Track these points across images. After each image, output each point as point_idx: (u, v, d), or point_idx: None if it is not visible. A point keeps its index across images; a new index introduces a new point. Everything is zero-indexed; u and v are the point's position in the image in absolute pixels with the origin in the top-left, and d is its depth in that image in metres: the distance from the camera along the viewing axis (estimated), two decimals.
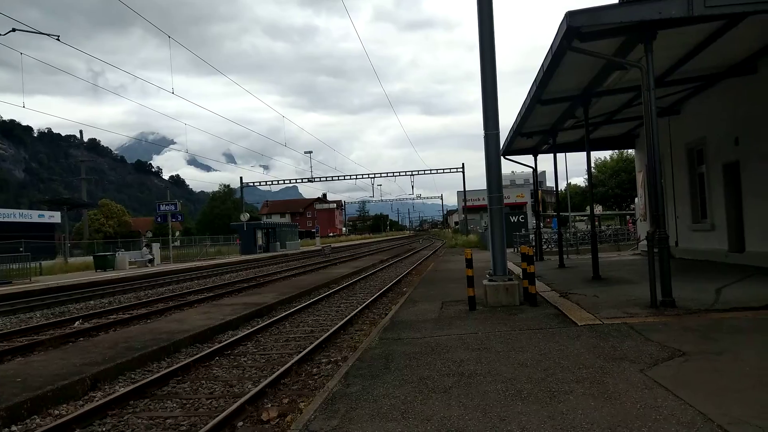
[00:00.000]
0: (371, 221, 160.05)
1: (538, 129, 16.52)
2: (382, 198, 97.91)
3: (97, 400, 6.58)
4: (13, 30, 19.81)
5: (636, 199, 24.71)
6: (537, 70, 10.93)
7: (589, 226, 19.15)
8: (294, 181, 68.33)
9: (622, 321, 7.64)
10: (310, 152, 62.27)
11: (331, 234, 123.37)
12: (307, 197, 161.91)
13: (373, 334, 8.30)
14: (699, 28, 9.23)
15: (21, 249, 28.64)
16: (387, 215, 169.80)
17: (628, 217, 46.07)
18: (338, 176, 67.27)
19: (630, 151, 40.49)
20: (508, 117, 14.99)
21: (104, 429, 5.78)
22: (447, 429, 4.20)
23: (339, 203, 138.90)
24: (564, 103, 13.11)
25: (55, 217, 50.63)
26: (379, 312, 12.38)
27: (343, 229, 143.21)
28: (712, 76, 12.92)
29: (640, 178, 21.27)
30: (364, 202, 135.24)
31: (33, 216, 50.73)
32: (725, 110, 13.83)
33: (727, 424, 3.85)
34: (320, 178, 67.01)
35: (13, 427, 5.86)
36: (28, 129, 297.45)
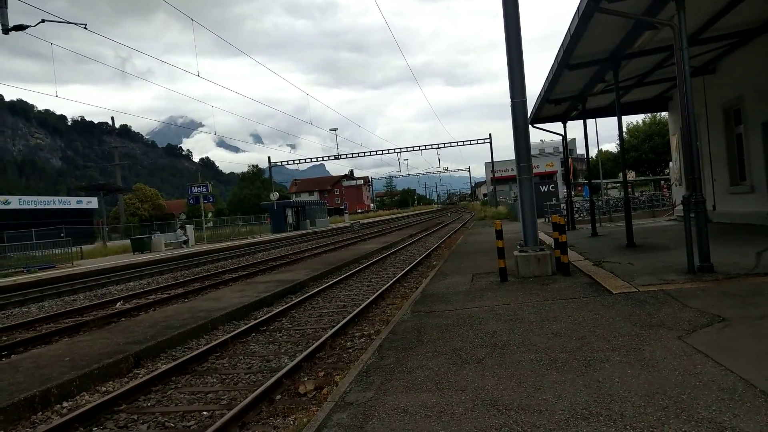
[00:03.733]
0: (399, 196, 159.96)
1: (567, 95, 16.13)
2: (409, 172, 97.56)
3: (141, 377, 6.83)
4: (43, 21, 20.12)
5: (670, 164, 24.06)
6: (564, 34, 10.62)
7: (622, 193, 18.77)
8: (321, 159, 68.53)
9: (659, 288, 7.51)
10: (336, 129, 62.27)
11: (359, 210, 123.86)
12: (334, 174, 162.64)
13: (405, 308, 8.36)
14: None
15: (62, 234, 29.66)
16: (414, 189, 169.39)
17: (662, 182, 44.95)
18: (364, 152, 66.91)
19: (663, 114, 39.29)
20: (535, 84, 14.72)
21: (149, 404, 5.99)
22: (482, 399, 4.23)
23: (366, 179, 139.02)
24: (593, 67, 12.73)
25: (92, 202, 52.16)
26: (410, 286, 12.44)
27: (371, 205, 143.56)
28: (748, 32, 12.36)
29: (674, 141, 20.65)
30: (391, 177, 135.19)
31: (71, 202, 52.38)
32: (764, 67, 13.23)
33: None
34: (347, 154, 66.93)
35: (64, 404, 6.13)
36: (62, 118, 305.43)
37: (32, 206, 46.17)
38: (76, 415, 5.42)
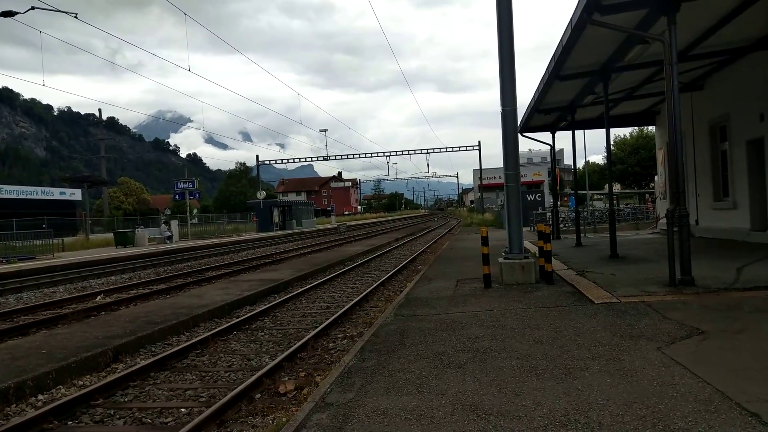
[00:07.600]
0: (386, 200, 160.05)
1: (557, 105, 16.27)
2: (398, 176, 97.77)
3: (120, 372, 6.74)
4: (33, 8, 19.86)
5: (656, 177, 24.35)
6: (556, 45, 10.73)
7: (607, 205, 18.95)
8: (310, 159, 68.42)
9: (640, 299, 7.59)
10: (326, 130, 62.29)
11: (346, 212, 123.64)
12: (322, 175, 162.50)
13: (389, 311, 8.35)
14: None
15: (44, 225, 29.25)
16: (402, 194, 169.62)
17: (647, 195, 45.48)
18: (354, 154, 66.94)
19: (650, 128, 39.77)
20: (525, 93, 14.80)
21: (126, 399, 5.92)
22: (462, 403, 4.24)
23: (354, 181, 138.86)
24: (583, 78, 12.86)
25: (76, 194, 51.43)
26: (395, 289, 12.44)
27: (359, 207, 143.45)
28: (737, 50, 12.56)
29: (660, 155, 20.91)
30: (379, 181, 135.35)
31: (54, 193, 51.63)
32: (750, 85, 13.47)
33: (746, 402, 3.83)
34: (336, 156, 66.95)
35: (40, 396, 6.03)
36: (49, 108, 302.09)
37: (14, 195, 45.44)
38: (51, 408, 5.33)
